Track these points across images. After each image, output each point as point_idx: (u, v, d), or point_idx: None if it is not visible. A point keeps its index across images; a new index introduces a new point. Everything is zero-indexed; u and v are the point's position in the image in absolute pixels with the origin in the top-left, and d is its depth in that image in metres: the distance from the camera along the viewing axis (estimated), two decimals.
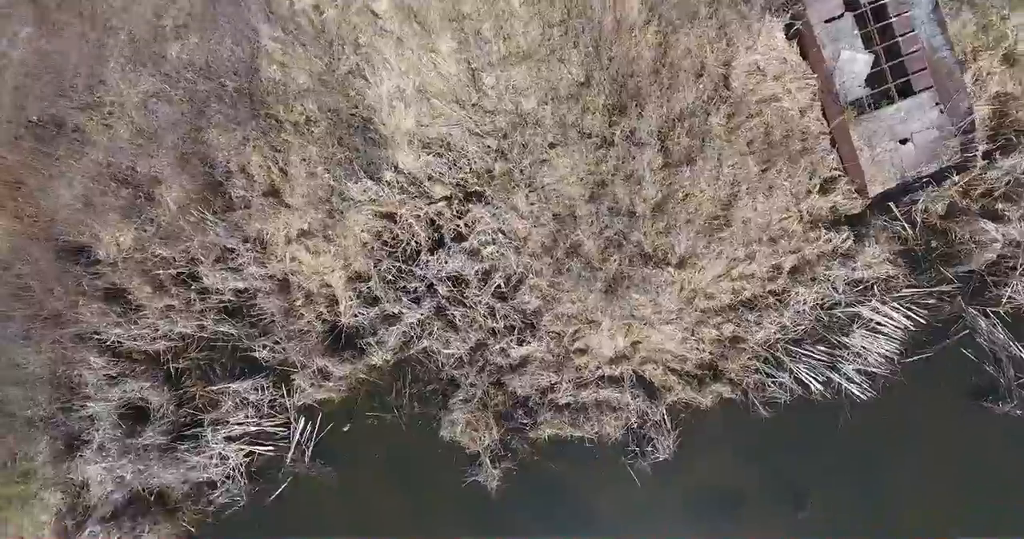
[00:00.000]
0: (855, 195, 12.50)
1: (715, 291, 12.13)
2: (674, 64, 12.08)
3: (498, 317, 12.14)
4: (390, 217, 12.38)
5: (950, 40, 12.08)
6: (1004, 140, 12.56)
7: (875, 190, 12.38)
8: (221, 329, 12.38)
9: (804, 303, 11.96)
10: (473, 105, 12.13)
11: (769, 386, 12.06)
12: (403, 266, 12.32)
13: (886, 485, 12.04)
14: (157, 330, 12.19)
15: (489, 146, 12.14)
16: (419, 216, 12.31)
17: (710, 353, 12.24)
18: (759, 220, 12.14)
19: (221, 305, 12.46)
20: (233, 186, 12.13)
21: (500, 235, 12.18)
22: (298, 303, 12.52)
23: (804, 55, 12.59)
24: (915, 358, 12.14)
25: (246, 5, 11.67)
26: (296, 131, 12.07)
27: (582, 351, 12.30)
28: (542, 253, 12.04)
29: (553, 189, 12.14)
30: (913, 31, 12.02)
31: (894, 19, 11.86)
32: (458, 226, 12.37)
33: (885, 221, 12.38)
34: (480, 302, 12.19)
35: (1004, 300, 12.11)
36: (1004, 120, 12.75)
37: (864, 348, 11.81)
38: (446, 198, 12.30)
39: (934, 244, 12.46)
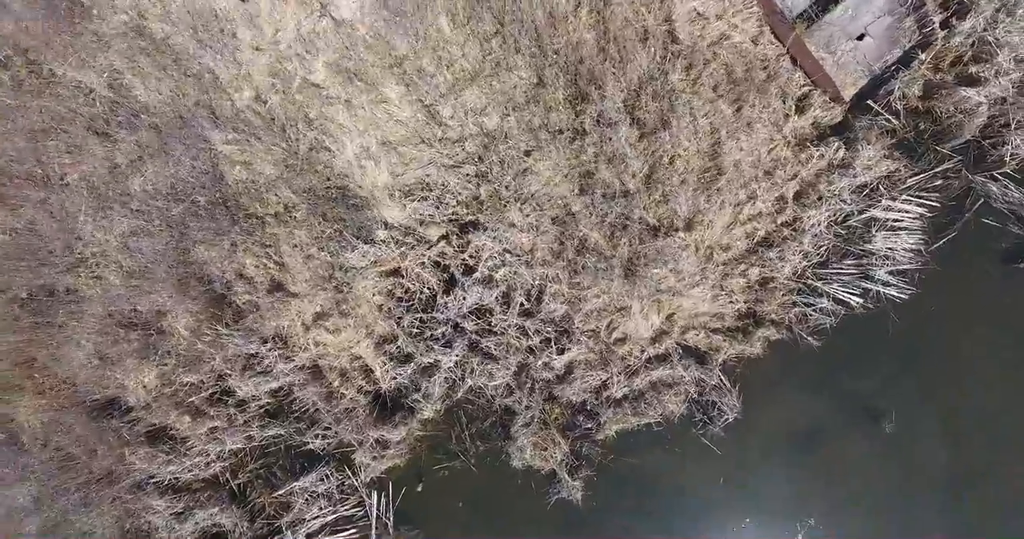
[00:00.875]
0: (832, 104, 12.54)
1: (729, 241, 12.28)
2: (617, 37, 12.03)
3: (531, 334, 12.30)
4: (396, 273, 12.47)
5: None
6: (956, 4, 12.50)
7: (849, 93, 12.42)
8: (269, 433, 12.51)
9: (818, 224, 12.11)
10: (440, 140, 12.15)
11: (811, 315, 12.27)
12: (424, 316, 12.41)
13: (955, 373, 12.32)
14: (208, 455, 12.35)
15: (468, 174, 12.20)
16: (423, 263, 12.39)
17: (744, 302, 12.45)
18: (749, 158, 12.23)
19: (262, 410, 12.57)
20: (236, 294, 12.19)
21: (507, 255, 12.28)
22: (335, 384, 12.62)
23: None
24: (941, 243, 12.31)
25: (190, 120, 11.59)
26: (279, 221, 12.12)
27: (621, 340, 12.50)
28: (553, 259, 12.18)
29: (543, 194, 12.23)
30: None
31: None
32: (464, 260, 12.45)
33: (869, 119, 12.44)
34: (509, 325, 12.33)
35: (1007, 159, 12.20)
36: None
37: (889, 249, 11.98)
38: (444, 237, 12.40)
39: (923, 127, 12.51)
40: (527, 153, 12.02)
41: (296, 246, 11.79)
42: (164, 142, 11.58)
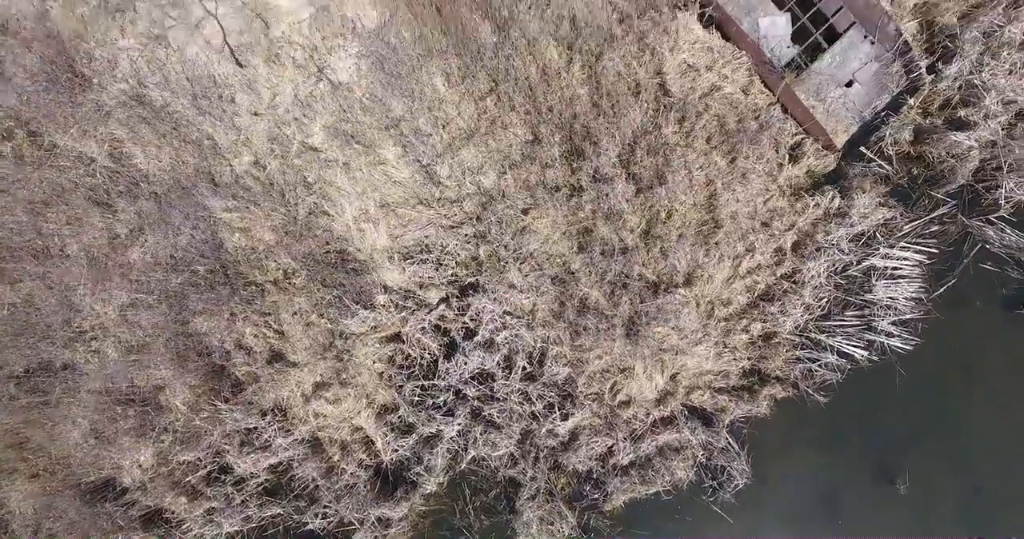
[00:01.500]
0: (825, 152, 12.70)
1: (730, 295, 12.34)
2: (610, 92, 12.23)
3: (534, 399, 12.21)
4: (396, 338, 12.46)
5: None
6: (941, 48, 12.75)
7: (841, 140, 12.59)
8: (268, 513, 12.32)
9: (818, 276, 12.18)
10: (438, 200, 12.29)
11: (816, 370, 12.23)
12: (425, 383, 12.36)
13: (967, 422, 12.31)
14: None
15: (467, 234, 12.32)
16: (424, 328, 12.36)
17: (748, 359, 12.44)
18: (745, 209, 12.36)
19: (260, 488, 12.43)
20: (235, 365, 12.16)
21: (508, 317, 12.30)
22: (335, 458, 12.49)
23: (726, 37, 12.75)
24: (941, 290, 12.37)
25: (189, 189, 11.75)
26: (278, 288, 12.20)
27: (626, 403, 12.42)
28: (554, 320, 12.21)
29: (542, 252, 12.33)
30: None
31: None
32: (465, 323, 12.46)
33: (862, 166, 12.59)
34: (511, 391, 12.27)
35: (1002, 202, 12.33)
36: (933, 29, 12.94)
37: (890, 298, 12.03)
38: (444, 299, 12.43)
39: (916, 172, 12.66)
40: (525, 211, 12.16)
41: (296, 313, 11.83)
42: (164, 211, 11.71)
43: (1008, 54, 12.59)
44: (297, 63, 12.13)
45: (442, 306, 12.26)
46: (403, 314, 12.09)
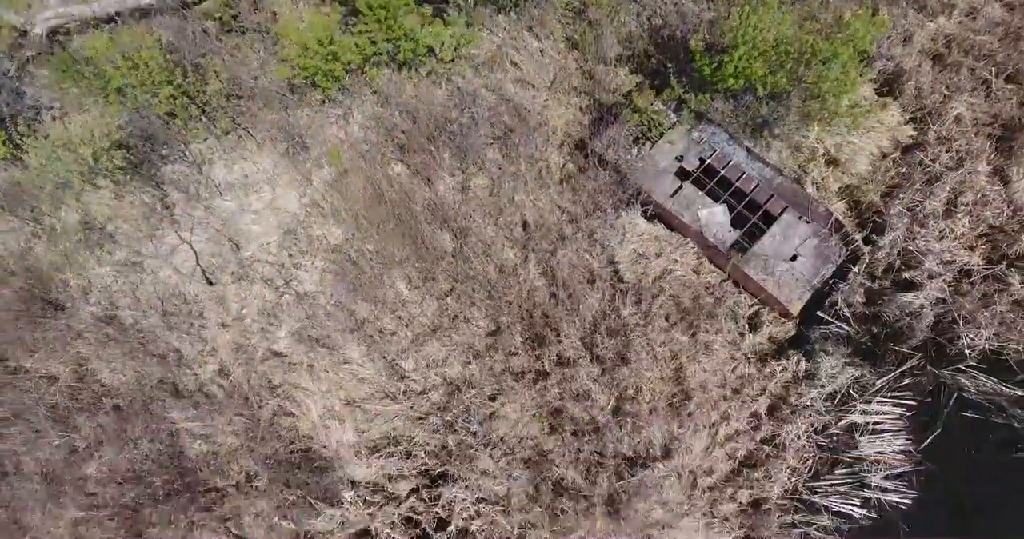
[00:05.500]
0: (783, 320, 16.44)
1: (711, 464, 15.07)
2: (566, 282, 16.37)
3: None
4: (365, 534, 14.87)
5: (777, 166, 17.28)
6: (871, 223, 17.38)
7: (796, 308, 16.45)
8: None
9: (798, 438, 15.02)
10: (404, 393, 15.54)
11: (814, 535, 14.49)
12: None
13: None
14: None
15: (435, 424, 15.31)
16: (393, 522, 14.86)
17: (741, 527, 14.76)
18: (714, 378, 15.68)
19: None
20: None
21: (482, 504, 14.83)
22: None
23: (671, 227, 17.45)
24: (928, 441, 15.14)
25: (152, 401, 14.92)
26: (240, 492, 14.76)
27: None
28: (530, 503, 14.67)
29: (512, 437, 15.21)
30: (744, 173, 17.17)
31: (723, 171, 17.04)
32: (436, 513, 14.99)
33: (823, 330, 16.22)
34: None
35: (967, 351, 15.73)
36: (860, 206, 17.79)
37: (878, 453, 14.75)
38: (414, 490, 15.15)
39: (876, 330, 16.32)
40: (492, 397, 15.38)
41: (258, 516, 14.22)
42: (124, 423, 14.68)
43: (934, 223, 17.23)
44: (265, 278, 16.27)
45: (412, 497, 14.80)
46: (371, 509, 14.52)
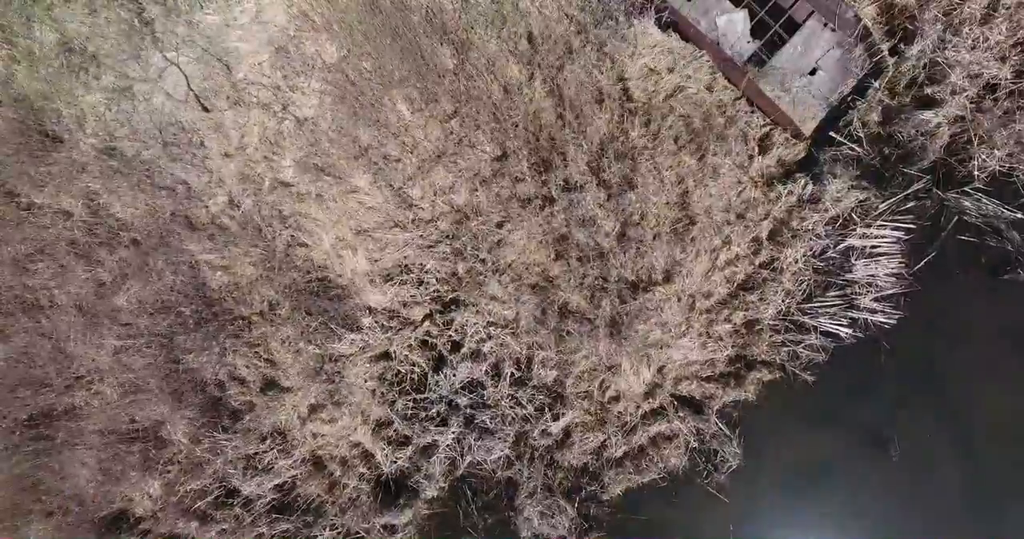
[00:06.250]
0: (794, 141, 16.22)
1: (710, 288, 15.90)
2: (574, 102, 15.92)
3: (524, 403, 15.85)
4: (385, 356, 16.23)
5: None
6: (902, 30, 16.41)
7: (809, 128, 16.14)
8: (278, 530, 15.90)
9: (796, 262, 15.63)
10: (412, 221, 15.90)
11: (801, 352, 15.68)
12: (417, 397, 16.10)
13: (955, 391, 15.56)
14: None
15: (444, 252, 15.90)
16: (411, 345, 16.13)
17: (733, 346, 15.97)
18: (719, 203, 15.90)
19: (268, 507, 15.99)
20: (231, 396, 15.92)
21: (492, 328, 16.02)
22: (337, 474, 16.21)
23: (685, 38, 16.53)
24: (921, 264, 15.79)
25: (168, 234, 15.34)
26: (264, 320, 15.77)
27: (615, 399, 16.06)
28: (538, 326, 15.80)
29: (520, 263, 15.86)
30: None
31: None
32: (450, 336, 16.24)
33: (833, 151, 16.08)
34: (502, 397, 15.95)
35: (976, 172, 15.74)
36: (892, 12, 16.65)
37: (871, 276, 15.46)
38: (428, 316, 16.21)
39: (887, 152, 16.20)
40: (499, 224, 15.73)
41: (284, 342, 15.41)
42: (145, 256, 15.26)
43: (969, 30, 16.24)
44: (262, 103, 15.81)
45: (427, 323, 15.98)
46: (389, 334, 15.71)
